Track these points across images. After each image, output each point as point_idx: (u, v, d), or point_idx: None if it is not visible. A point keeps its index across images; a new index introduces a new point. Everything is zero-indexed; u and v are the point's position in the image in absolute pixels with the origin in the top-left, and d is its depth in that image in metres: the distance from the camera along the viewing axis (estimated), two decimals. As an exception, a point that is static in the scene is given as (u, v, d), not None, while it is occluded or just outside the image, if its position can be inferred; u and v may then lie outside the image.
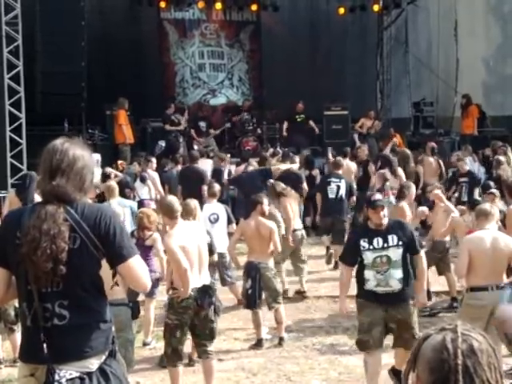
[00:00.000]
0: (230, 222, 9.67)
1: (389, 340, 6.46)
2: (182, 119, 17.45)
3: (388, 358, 6.60)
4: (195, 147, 16.58)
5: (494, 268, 6.38)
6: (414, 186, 10.01)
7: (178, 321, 6.24)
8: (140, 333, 8.23)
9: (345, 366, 7.38)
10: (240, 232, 8.36)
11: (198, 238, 6.38)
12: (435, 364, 1.82)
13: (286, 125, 18.20)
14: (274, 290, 8.11)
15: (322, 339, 8.33)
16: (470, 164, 14.12)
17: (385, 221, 6.32)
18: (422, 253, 6.59)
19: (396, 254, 6.24)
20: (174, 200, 6.55)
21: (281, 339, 8.18)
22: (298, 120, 18.32)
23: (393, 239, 6.26)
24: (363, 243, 6.27)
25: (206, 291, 6.23)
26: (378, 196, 6.82)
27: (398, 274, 6.22)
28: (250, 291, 8.03)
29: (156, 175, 13.32)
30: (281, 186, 10.20)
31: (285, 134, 18.27)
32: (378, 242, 6.25)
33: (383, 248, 6.23)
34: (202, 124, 18.32)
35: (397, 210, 9.33)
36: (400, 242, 6.25)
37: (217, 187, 9.98)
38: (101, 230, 3.27)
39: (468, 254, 6.40)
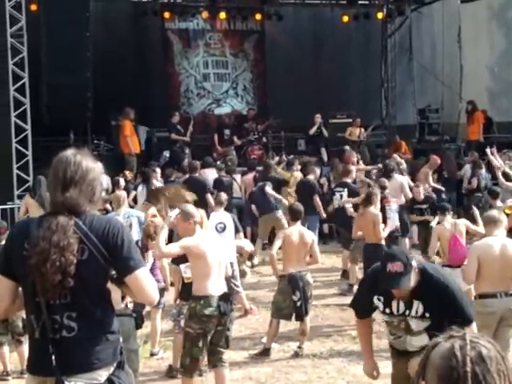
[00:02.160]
0: (237, 231, 9.66)
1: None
2: (186, 130, 17.44)
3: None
4: (214, 155, 16.54)
5: (503, 275, 6.33)
6: (379, 195, 10.02)
7: (201, 330, 6.20)
8: (148, 343, 8.23)
9: (353, 375, 7.33)
10: (283, 238, 8.25)
11: (219, 248, 6.47)
12: (444, 371, 1.82)
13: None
14: (308, 299, 8.12)
15: (330, 348, 8.29)
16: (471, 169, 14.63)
17: (407, 292, 4.49)
18: (474, 326, 4.66)
19: (419, 325, 4.60)
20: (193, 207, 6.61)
21: (299, 348, 8.12)
22: (316, 135, 18.33)
23: (418, 309, 4.55)
24: (377, 302, 4.67)
25: (227, 298, 6.31)
26: (396, 265, 4.35)
27: (419, 340, 4.59)
28: (299, 303, 7.98)
29: (160, 185, 13.32)
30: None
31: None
32: (398, 306, 4.62)
33: (404, 315, 4.62)
34: (227, 132, 18.19)
35: (364, 217, 9.58)
36: (427, 314, 4.54)
37: (224, 196, 9.99)
38: (109, 241, 3.27)
39: (477, 261, 6.36)
